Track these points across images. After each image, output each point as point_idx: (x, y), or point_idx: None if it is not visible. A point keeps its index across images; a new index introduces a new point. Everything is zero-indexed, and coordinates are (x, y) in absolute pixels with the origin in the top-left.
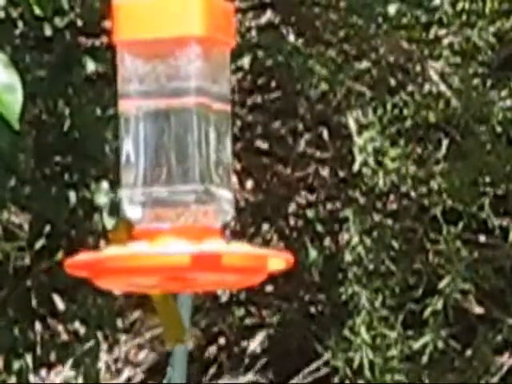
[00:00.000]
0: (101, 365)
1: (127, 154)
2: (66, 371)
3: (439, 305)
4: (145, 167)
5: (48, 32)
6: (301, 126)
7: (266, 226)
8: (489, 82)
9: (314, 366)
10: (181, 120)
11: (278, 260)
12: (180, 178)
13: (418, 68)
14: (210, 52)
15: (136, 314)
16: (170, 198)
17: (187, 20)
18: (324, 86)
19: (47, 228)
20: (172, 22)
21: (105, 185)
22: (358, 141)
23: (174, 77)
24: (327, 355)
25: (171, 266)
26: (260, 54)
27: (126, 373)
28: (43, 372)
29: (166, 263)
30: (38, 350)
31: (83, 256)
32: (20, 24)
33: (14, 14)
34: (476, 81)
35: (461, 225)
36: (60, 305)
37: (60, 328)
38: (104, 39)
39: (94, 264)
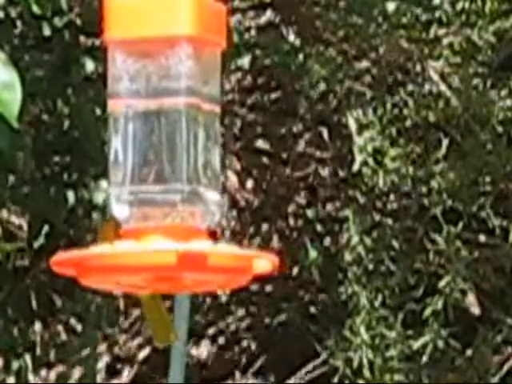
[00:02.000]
0: (101, 365)
1: (116, 153)
2: (66, 371)
3: (439, 304)
4: (133, 166)
5: (47, 32)
6: (301, 126)
7: (265, 226)
8: (489, 82)
9: (313, 365)
10: (170, 120)
11: (263, 261)
12: (168, 178)
13: (418, 68)
14: (201, 52)
15: (136, 313)
16: (158, 198)
17: (178, 19)
18: (324, 86)
19: (46, 228)
20: (163, 22)
21: (104, 184)
22: (358, 141)
23: (165, 76)
24: (326, 355)
25: (157, 264)
26: (260, 53)
27: (126, 373)
28: (43, 372)
29: (152, 262)
30: (38, 350)
31: (69, 254)
32: (19, 24)
33: (13, 13)
34: (476, 81)
35: (461, 225)
36: (59, 305)
37: (59, 328)
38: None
39: (80, 262)
